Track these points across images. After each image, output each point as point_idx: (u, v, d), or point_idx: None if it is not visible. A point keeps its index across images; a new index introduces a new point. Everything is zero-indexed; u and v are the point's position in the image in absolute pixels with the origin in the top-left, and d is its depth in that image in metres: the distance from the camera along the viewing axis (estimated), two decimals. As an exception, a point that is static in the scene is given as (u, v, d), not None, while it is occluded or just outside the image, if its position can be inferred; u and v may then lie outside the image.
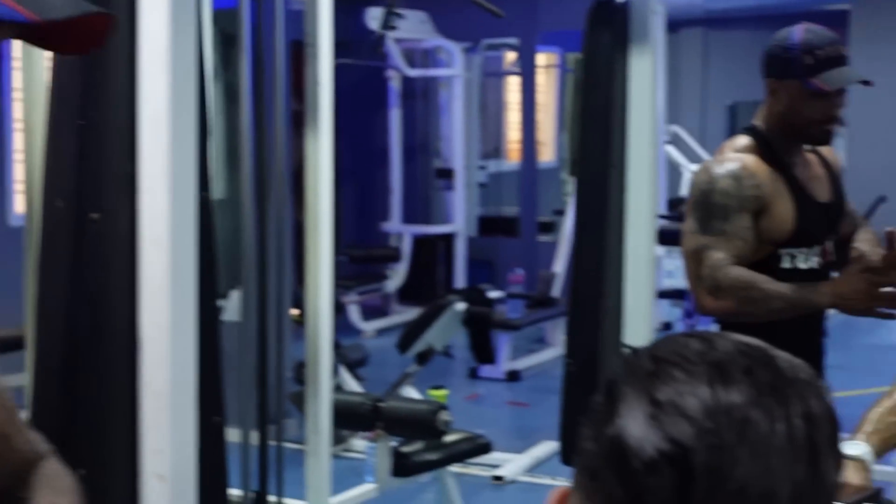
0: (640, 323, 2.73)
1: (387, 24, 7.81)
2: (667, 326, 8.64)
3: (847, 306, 2.61)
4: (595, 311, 2.69)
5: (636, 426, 0.75)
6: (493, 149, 10.88)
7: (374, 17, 8.07)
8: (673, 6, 8.99)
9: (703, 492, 0.73)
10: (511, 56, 10.68)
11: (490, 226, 10.02)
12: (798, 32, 2.71)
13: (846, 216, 2.99)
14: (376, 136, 9.43)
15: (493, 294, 6.13)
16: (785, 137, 2.78)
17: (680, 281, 8.03)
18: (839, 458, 0.79)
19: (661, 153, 9.27)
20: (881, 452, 2.38)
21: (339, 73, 10.37)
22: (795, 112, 2.72)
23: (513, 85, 10.92)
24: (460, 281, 9.02)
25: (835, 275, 2.85)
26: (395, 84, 9.03)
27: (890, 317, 2.63)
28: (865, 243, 2.92)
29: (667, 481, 0.73)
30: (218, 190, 6.42)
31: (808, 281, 2.72)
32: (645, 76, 2.49)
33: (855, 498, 2.21)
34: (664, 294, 8.29)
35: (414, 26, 8.86)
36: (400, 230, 9.25)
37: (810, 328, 2.87)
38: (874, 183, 11.62)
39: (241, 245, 3.53)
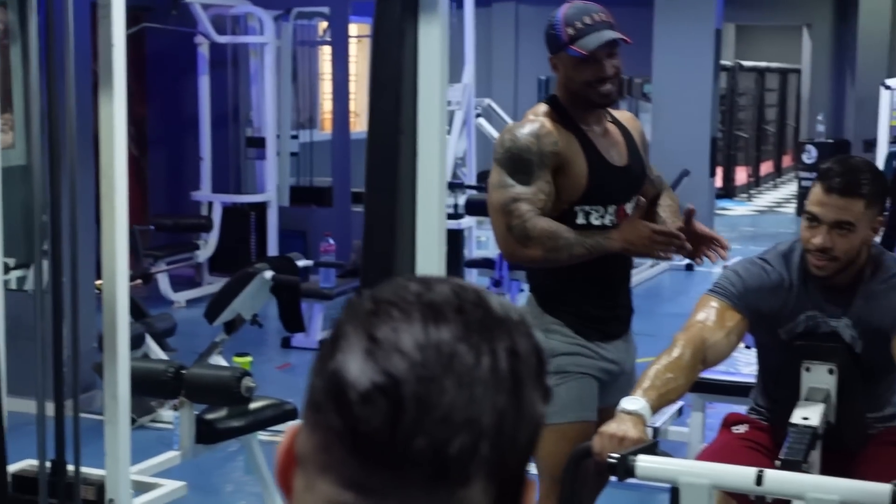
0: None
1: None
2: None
3: (633, 249, 2.90)
4: (388, 276, 2.74)
5: (354, 361, 0.80)
6: (308, 118, 10.83)
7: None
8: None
9: (412, 419, 0.78)
10: (324, 25, 10.64)
11: (303, 196, 9.98)
12: (562, 10, 2.96)
13: (649, 181, 3.18)
14: (187, 104, 9.27)
15: (302, 263, 6.12)
16: (576, 105, 2.98)
17: (490, 251, 8.21)
18: (546, 391, 0.85)
19: (471, 125, 9.41)
20: (658, 407, 2.53)
21: (147, 38, 10.13)
22: (571, 80, 2.96)
23: (326, 55, 10.89)
24: (273, 251, 8.97)
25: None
26: (203, 51, 8.89)
27: (667, 258, 2.99)
28: (666, 209, 3.13)
29: (379, 410, 0.78)
30: (19, 156, 6.23)
31: None
32: (434, 45, 2.55)
33: (631, 449, 2.34)
34: (474, 263, 8.44)
35: (224, -8, 8.74)
36: (210, 199, 9.13)
37: (618, 285, 3.11)
38: (678, 157, 12.06)
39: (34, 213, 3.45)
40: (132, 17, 7.88)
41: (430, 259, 2.73)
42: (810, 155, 14.33)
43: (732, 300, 2.77)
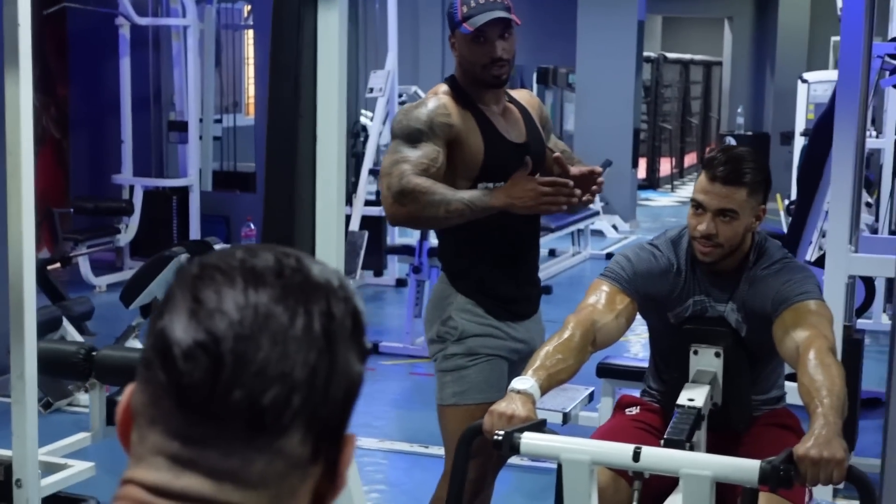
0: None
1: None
2: (400, 283, 8.88)
3: (518, 205, 2.89)
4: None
5: (179, 321, 0.88)
6: (232, 103, 10.79)
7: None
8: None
9: (230, 374, 0.86)
10: (248, 9, 10.61)
11: (226, 180, 9.97)
12: None
13: (550, 159, 3.20)
14: (108, 86, 9.20)
15: (220, 247, 6.12)
16: (471, 84, 3.05)
17: (411, 238, 8.26)
18: (363, 351, 0.94)
19: (394, 113, 9.45)
20: (547, 387, 2.60)
21: (68, 17, 10.02)
22: (465, 59, 3.03)
23: (251, 39, 10.86)
24: (195, 235, 8.95)
25: None
26: (125, 32, 8.83)
27: (550, 212, 2.97)
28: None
29: (200, 366, 0.86)
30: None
31: (506, 213, 2.93)
32: (332, 32, 2.60)
33: (518, 426, 2.41)
34: (394, 250, 8.49)
35: (146, -26, 8.70)
36: (132, 183, 9.08)
37: (525, 263, 3.17)
38: (601, 147, 12.19)
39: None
40: (52, -3, 7.83)
41: (328, 241, 2.78)
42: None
43: (622, 284, 2.85)
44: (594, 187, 3.05)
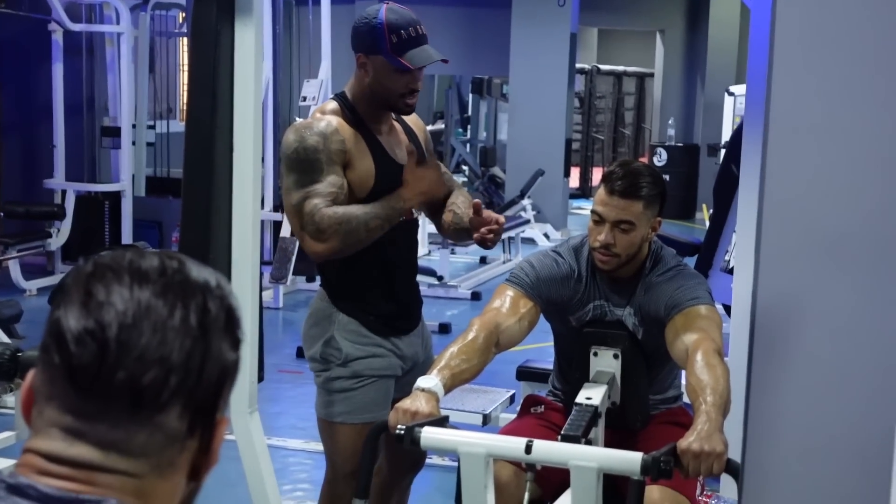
0: (245, 288, 2.97)
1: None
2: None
3: (429, 194, 3.03)
4: (203, 263, 2.90)
5: (72, 311, 1.03)
6: (166, 109, 10.83)
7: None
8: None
9: (115, 357, 1.01)
10: (182, 16, 10.65)
11: (159, 186, 10.00)
12: (383, 13, 2.98)
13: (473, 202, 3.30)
14: (41, 91, 9.21)
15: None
16: (370, 105, 3.04)
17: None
18: (235, 342, 1.09)
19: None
20: (451, 385, 2.72)
21: (2, 23, 9.98)
22: (381, 85, 3.00)
23: (185, 46, 10.89)
24: (127, 240, 8.99)
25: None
26: (57, 38, 8.85)
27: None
28: (461, 205, 3.27)
29: (89, 350, 1.01)
30: None
31: (389, 233, 3.01)
32: (248, 46, 2.71)
33: (419, 421, 2.54)
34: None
35: (80, -19, 8.73)
36: (64, 187, 9.10)
37: (403, 278, 3.20)
38: (533, 157, 12.37)
39: None
40: (-17, 3, 7.85)
41: (244, 249, 2.90)
42: (661, 158, 14.83)
43: (526, 289, 2.99)
44: (491, 235, 3.11)
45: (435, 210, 3.28)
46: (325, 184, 2.93)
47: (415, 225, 3.22)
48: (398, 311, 3.15)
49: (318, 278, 3.17)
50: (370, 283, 3.09)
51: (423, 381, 2.66)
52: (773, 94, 3.15)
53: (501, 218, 3.16)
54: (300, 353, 7.04)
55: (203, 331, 1.04)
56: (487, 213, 3.14)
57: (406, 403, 2.59)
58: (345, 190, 2.96)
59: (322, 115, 3.02)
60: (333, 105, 3.06)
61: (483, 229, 3.11)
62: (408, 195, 2.99)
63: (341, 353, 3.08)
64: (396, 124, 3.18)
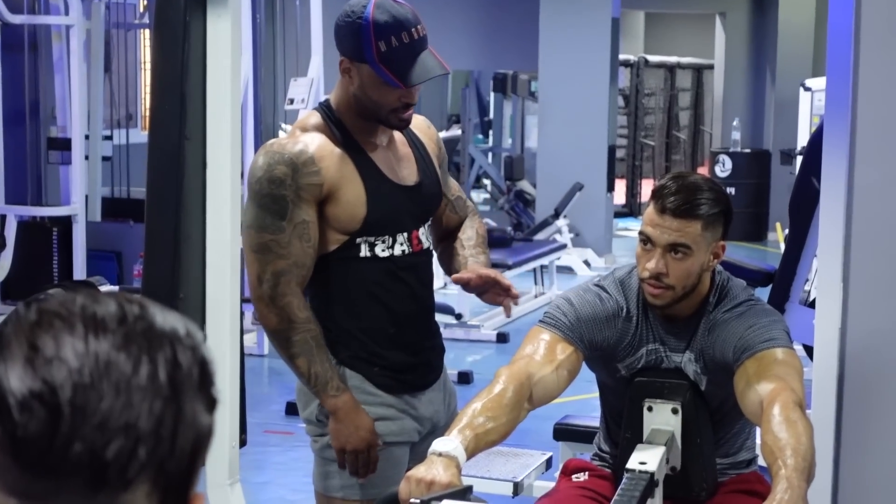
0: (223, 331, 2.97)
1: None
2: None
3: (334, 431, 2.99)
4: (171, 302, 2.90)
5: (14, 369, 1.00)
6: (125, 116, 10.86)
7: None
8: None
9: (69, 426, 0.98)
10: (143, 5, 10.70)
11: (118, 209, 10.00)
12: (370, 10, 2.88)
13: (450, 206, 3.28)
14: (-24, 96, 9.25)
15: (106, 288, 6.21)
16: (358, 117, 3.00)
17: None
18: (211, 403, 1.07)
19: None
20: (474, 449, 2.70)
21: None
22: (368, 97, 2.94)
23: (147, 40, 10.95)
24: (79, 274, 8.99)
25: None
26: (-6, 32, 8.90)
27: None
28: (468, 246, 3.24)
29: (37, 417, 0.98)
30: None
31: (390, 268, 3.03)
32: (224, 41, 2.70)
33: (437, 493, 2.52)
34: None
35: (22, -36, 8.78)
36: (4, 212, 9.12)
37: (421, 320, 3.17)
38: (569, 168, 12.36)
39: None
40: None
41: (221, 281, 2.89)
42: (724, 167, 14.81)
43: (564, 331, 2.97)
44: (504, 300, 3.15)
45: (437, 241, 3.27)
46: (291, 236, 2.91)
47: (429, 255, 3.19)
48: (412, 361, 3.12)
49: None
50: (376, 329, 3.05)
51: (440, 444, 2.64)
52: (861, 88, 3.13)
53: (491, 271, 3.14)
54: (290, 409, 7.02)
55: (174, 390, 1.03)
56: (478, 276, 3.12)
57: (420, 471, 2.57)
58: (314, 238, 2.94)
59: (301, 134, 2.98)
60: (316, 119, 3.02)
61: (507, 299, 3.16)
62: (331, 407, 2.98)
63: None
64: (398, 135, 3.13)
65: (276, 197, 2.90)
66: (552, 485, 5.16)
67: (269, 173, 2.90)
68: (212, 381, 1.07)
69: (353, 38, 2.91)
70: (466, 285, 3.13)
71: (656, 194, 2.95)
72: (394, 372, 3.08)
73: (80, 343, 1.01)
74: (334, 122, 3.01)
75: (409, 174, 3.10)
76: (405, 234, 3.06)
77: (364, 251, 3.01)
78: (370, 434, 2.98)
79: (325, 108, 3.04)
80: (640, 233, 2.98)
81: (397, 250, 3.05)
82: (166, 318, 1.07)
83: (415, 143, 3.17)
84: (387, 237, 3.02)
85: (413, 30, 2.90)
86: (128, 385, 1.00)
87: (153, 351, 1.03)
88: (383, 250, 3.03)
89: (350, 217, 2.97)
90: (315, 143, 2.95)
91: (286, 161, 2.91)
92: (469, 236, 3.26)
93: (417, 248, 3.10)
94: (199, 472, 1.07)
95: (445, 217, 3.29)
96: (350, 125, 3.01)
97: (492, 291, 3.14)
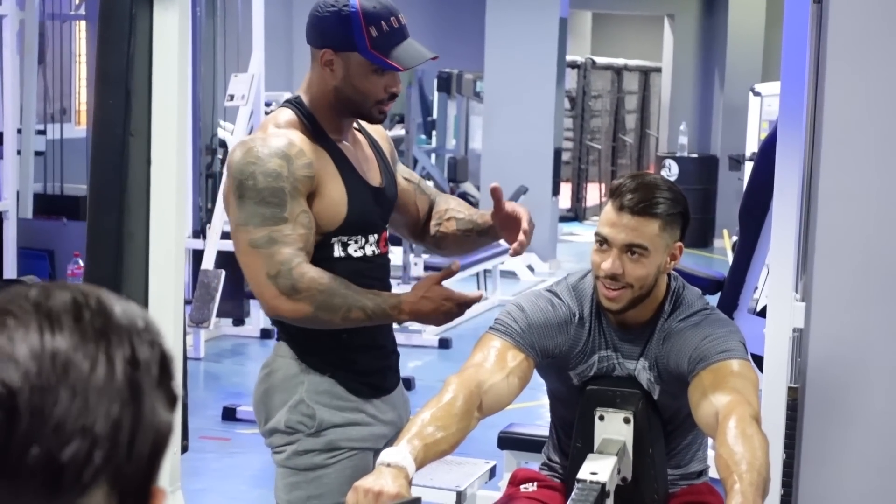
0: (166, 315, 2.93)
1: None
2: (265, 334, 8.95)
3: (423, 321, 2.98)
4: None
5: None
6: (59, 110, 10.77)
7: None
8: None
9: (26, 429, 0.96)
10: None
11: (51, 206, 9.92)
12: (355, 0, 2.90)
13: (419, 191, 3.30)
14: None
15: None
16: (334, 113, 2.99)
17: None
18: (171, 399, 1.06)
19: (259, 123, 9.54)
20: (424, 459, 2.68)
21: None
22: (354, 88, 2.94)
23: (83, 31, 10.87)
24: (10, 273, 8.91)
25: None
26: (-77, 22, 8.79)
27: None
28: (460, 210, 3.28)
29: None
30: None
31: (361, 268, 3.01)
32: (171, 34, 2.68)
33: (388, 505, 2.50)
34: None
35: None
36: (-70, 209, 9.03)
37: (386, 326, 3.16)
38: (513, 171, 12.36)
39: None
40: None
41: (165, 282, 2.87)
42: (671, 172, 14.88)
43: (514, 338, 2.96)
44: (521, 236, 3.11)
45: (419, 230, 3.29)
46: (294, 225, 2.88)
47: (388, 258, 3.19)
48: (380, 365, 3.14)
49: (260, 327, 3.13)
50: (349, 332, 3.01)
51: (388, 455, 2.62)
52: (828, 95, 3.15)
53: (525, 210, 3.17)
54: (227, 415, 7.00)
55: (133, 390, 1.01)
56: (511, 206, 3.16)
57: (368, 482, 2.56)
58: (312, 229, 2.92)
59: (279, 130, 2.94)
60: (289, 115, 2.99)
61: (521, 235, 3.12)
62: (407, 309, 2.94)
63: (314, 419, 3.02)
64: (359, 135, 3.14)
65: (274, 189, 2.86)
66: (496, 494, 5.18)
67: (263, 167, 2.86)
68: (171, 376, 1.06)
69: (341, 27, 2.90)
70: (499, 204, 3.16)
71: (614, 192, 2.95)
72: (363, 376, 3.08)
73: (36, 342, 0.99)
74: (307, 118, 2.99)
75: (374, 175, 3.11)
76: (376, 235, 3.08)
77: (338, 251, 3.01)
78: (449, 300, 2.95)
79: (296, 104, 3.01)
80: (596, 234, 2.98)
81: (368, 251, 3.06)
82: (125, 311, 1.05)
83: (374, 144, 3.19)
84: (360, 237, 3.03)
85: (399, 16, 2.95)
86: (85, 386, 0.99)
87: (111, 348, 1.01)
88: (356, 251, 3.03)
89: (333, 215, 2.97)
90: (298, 137, 2.94)
91: (279, 153, 2.88)
92: (457, 204, 3.31)
93: (384, 250, 3.12)
94: (159, 470, 1.06)
95: (419, 201, 3.30)
96: (322, 121, 3.00)
97: (513, 230, 3.15)
